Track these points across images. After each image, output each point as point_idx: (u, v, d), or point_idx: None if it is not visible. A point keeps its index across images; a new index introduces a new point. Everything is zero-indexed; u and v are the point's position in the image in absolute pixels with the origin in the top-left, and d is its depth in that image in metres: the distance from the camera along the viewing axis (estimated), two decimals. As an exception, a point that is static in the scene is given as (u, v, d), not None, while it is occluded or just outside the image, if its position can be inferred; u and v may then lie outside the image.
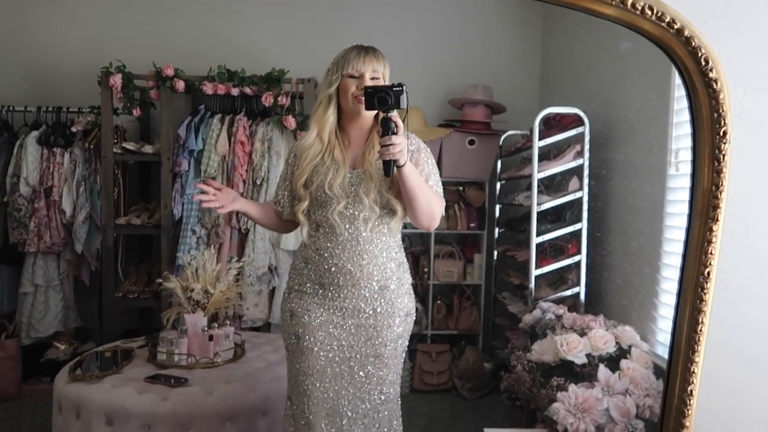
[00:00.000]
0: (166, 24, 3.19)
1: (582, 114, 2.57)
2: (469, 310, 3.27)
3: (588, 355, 1.99)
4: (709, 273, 1.12)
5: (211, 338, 2.20)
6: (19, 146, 2.99)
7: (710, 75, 1.04)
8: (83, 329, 3.15)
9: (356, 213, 1.52)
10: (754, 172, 1.31)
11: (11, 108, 3.06)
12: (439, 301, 3.29)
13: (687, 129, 1.81)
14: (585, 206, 2.56)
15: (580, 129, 2.58)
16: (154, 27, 3.18)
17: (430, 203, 1.51)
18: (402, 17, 3.23)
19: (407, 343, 1.64)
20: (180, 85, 2.93)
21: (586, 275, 2.55)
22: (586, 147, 2.56)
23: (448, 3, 3.31)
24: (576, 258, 2.58)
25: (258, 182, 2.94)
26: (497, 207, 3.27)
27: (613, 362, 1.95)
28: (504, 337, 2.91)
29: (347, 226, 1.52)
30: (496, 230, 3.26)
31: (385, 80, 1.53)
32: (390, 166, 1.41)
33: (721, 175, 1.08)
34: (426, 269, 3.25)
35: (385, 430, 1.59)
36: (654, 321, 2.04)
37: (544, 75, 3.30)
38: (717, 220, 1.10)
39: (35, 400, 2.81)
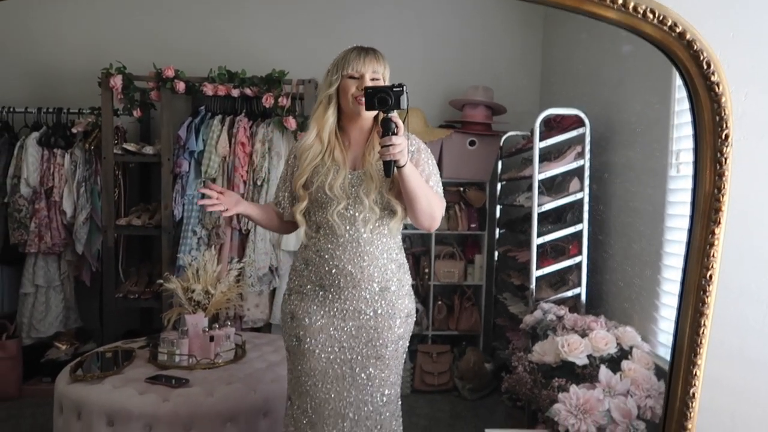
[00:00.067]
0: (166, 25, 3.19)
1: (583, 115, 2.57)
2: (469, 310, 3.27)
3: (589, 356, 1.99)
4: (711, 276, 1.12)
5: (211, 339, 2.20)
6: (20, 147, 3.00)
7: (712, 78, 1.04)
8: (84, 330, 3.15)
9: (356, 214, 1.52)
10: (755, 175, 1.31)
11: (12, 109, 3.06)
12: (439, 302, 3.29)
13: (688, 130, 1.82)
14: (586, 207, 2.56)
15: (580, 130, 2.58)
16: (155, 28, 3.18)
17: (431, 204, 1.51)
18: (402, 18, 3.23)
19: (408, 344, 1.64)
20: (180, 86, 2.93)
21: (587, 277, 2.55)
22: (587, 148, 2.56)
23: (448, 4, 3.31)
24: (577, 259, 2.58)
25: (258, 183, 2.94)
26: (498, 208, 3.27)
27: (614, 363, 1.95)
28: (505, 338, 2.91)
29: (347, 228, 1.52)
30: (497, 231, 3.27)
31: (385, 81, 1.53)
32: (390, 167, 1.41)
33: (723, 178, 1.08)
34: (427, 270, 3.25)
35: (387, 431, 1.59)
36: (655, 322, 2.04)
37: (544, 76, 3.30)
38: (719, 223, 1.10)
39: (36, 401, 2.81)
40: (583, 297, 2.55)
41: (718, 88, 1.05)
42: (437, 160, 2.33)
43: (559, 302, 2.47)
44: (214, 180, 2.96)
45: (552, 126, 2.72)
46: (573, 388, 1.85)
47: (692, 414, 1.17)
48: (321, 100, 1.57)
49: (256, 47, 3.14)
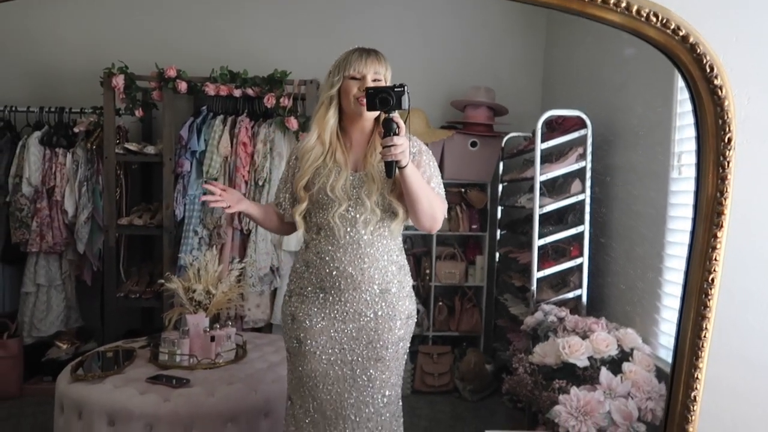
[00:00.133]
0: (168, 25, 3.20)
1: (584, 116, 2.57)
2: (470, 311, 3.27)
3: (590, 358, 1.99)
4: (713, 279, 1.12)
5: (212, 339, 2.20)
6: (22, 146, 3.00)
7: (715, 82, 1.04)
8: (85, 329, 3.15)
9: (357, 216, 1.52)
10: (758, 178, 1.30)
11: (14, 108, 3.07)
12: (440, 303, 3.29)
13: (690, 132, 1.81)
14: (587, 209, 2.56)
15: (582, 131, 2.58)
16: (157, 28, 3.18)
17: (432, 205, 1.51)
18: (404, 19, 3.23)
19: (408, 346, 1.64)
20: (182, 86, 2.93)
21: (589, 279, 2.55)
22: (588, 149, 2.56)
23: (450, 5, 3.31)
24: (578, 260, 2.58)
25: (260, 183, 2.94)
26: (499, 209, 3.27)
27: (615, 365, 1.95)
28: (505, 339, 2.91)
29: (348, 229, 1.52)
30: (498, 232, 3.26)
31: (386, 82, 1.53)
32: (392, 167, 1.41)
33: (726, 182, 1.08)
34: (428, 271, 3.25)
35: (387, 432, 1.60)
36: (656, 324, 2.04)
37: (546, 78, 3.30)
38: (721, 226, 1.10)
39: (37, 400, 2.81)
40: (584, 298, 2.55)
41: (721, 92, 1.05)
42: (439, 161, 2.34)
43: (560, 304, 2.47)
44: (215, 180, 2.96)
45: (553, 127, 2.72)
46: (574, 389, 1.85)
47: (694, 417, 1.17)
48: (322, 101, 1.57)
49: (258, 47, 3.14)
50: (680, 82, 1.15)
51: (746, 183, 1.18)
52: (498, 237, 3.27)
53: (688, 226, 1.21)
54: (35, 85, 3.19)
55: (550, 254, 2.66)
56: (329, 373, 1.56)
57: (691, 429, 1.18)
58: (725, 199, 1.10)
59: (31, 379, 2.96)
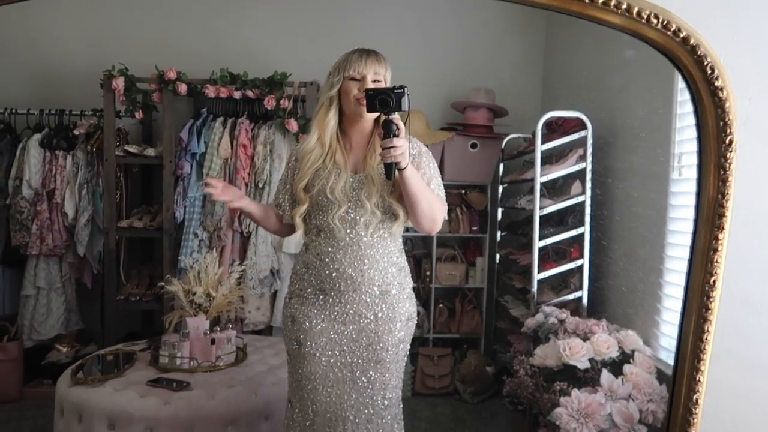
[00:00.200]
0: (168, 27, 3.20)
1: (584, 118, 2.57)
2: (471, 313, 3.26)
3: (591, 360, 1.99)
4: (714, 281, 1.12)
5: (213, 342, 2.20)
6: (22, 149, 3.00)
7: (716, 83, 1.04)
8: (85, 332, 3.14)
9: (357, 217, 1.52)
10: (760, 180, 1.30)
11: (14, 110, 3.07)
12: (441, 305, 3.28)
13: (690, 133, 1.81)
14: (587, 210, 2.56)
15: (582, 133, 2.58)
16: (157, 30, 3.18)
17: (432, 207, 1.51)
18: (404, 20, 3.23)
19: (409, 347, 1.64)
20: (182, 88, 2.93)
21: (590, 280, 2.54)
22: (589, 151, 2.56)
23: (450, 7, 3.31)
24: (579, 262, 2.57)
25: (260, 185, 2.94)
26: (499, 210, 3.27)
27: (616, 367, 1.95)
28: (506, 341, 2.90)
29: (348, 231, 1.52)
30: (498, 233, 3.26)
31: (386, 83, 1.53)
32: (391, 169, 1.41)
33: (727, 184, 1.08)
34: (428, 272, 3.24)
35: (388, 434, 1.59)
36: (657, 325, 2.04)
37: (546, 79, 3.30)
38: (723, 228, 1.10)
39: (37, 403, 2.80)
40: (585, 300, 2.54)
41: (722, 94, 1.05)
42: (439, 163, 2.33)
43: (561, 305, 2.47)
44: (215, 182, 2.95)
45: (554, 129, 2.72)
46: (575, 391, 1.85)
47: (695, 420, 1.16)
48: (322, 102, 1.57)
49: (258, 49, 3.14)
50: (680, 83, 1.15)
51: (747, 185, 1.18)
52: (498, 238, 3.26)
53: (688, 227, 1.21)
54: (35, 87, 3.19)
55: (551, 256, 2.66)
56: (329, 375, 1.56)
57: (693, 431, 1.18)
58: (726, 201, 1.09)
59: (31, 382, 2.96)
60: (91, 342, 3.11)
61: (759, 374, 1.38)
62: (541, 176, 2.61)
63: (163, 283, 2.37)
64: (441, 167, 2.97)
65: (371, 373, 1.56)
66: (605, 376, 1.89)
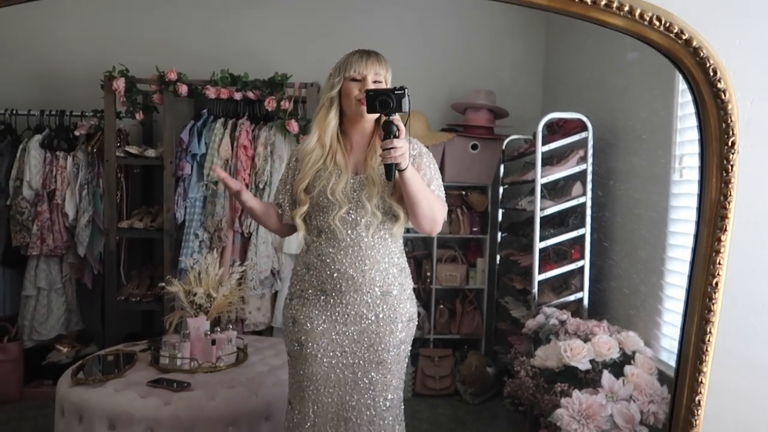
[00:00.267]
0: (169, 28, 3.20)
1: (585, 119, 2.57)
2: (471, 314, 3.26)
3: (592, 361, 1.99)
4: (717, 283, 1.12)
5: (213, 342, 2.20)
6: (23, 150, 3.00)
7: (718, 85, 1.04)
8: (85, 332, 3.14)
9: (358, 218, 1.52)
10: (762, 181, 1.30)
11: (14, 111, 3.07)
12: (441, 306, 3.28)
13: (691, 135, 1.82)
14: (588, 211, 2.56)
15: (583, 134, 2.58)
16: (158, 31, 3.18)
17: (432, 208, 1.51)
18: (405, 22, 3.23)
19: (410, 349, 1.64)
20: (183, 89, 2.93)
21: (591, 282, 2.54)
22: (590, 152, 2.56)
23: (450, 7, 3.31)
24: (579, 263, 2.57)
25: (261, 186, 2.94)
26: (500, 211, 3.27)
27: (617, 368, 1.95)
28: (507, 342, 2.90)
29: (349, 232, 1.52)
30: (499, 235, 3.26)
31: (387, 84, 1.53)
32: (392, 170, 1.41)
33: (730, 186, 1.08)
34: (428, 273, 3.24)
35: (389, 435, 1.59)
36: (658, 327, 2.04)
37: (547, 80, 3.30)
38: (725, 230, 1.10)
39: (37, 403, 2.80)
40: (586, 301, 2.54)
41: (725, 95, 1.05)
42: (439, 164, 2.33)
43: (562, 306, 2.47)
44: (216, 183, 2.96)
45: (554, 130, 2.72)
46: (576, 393, 1.85)
47: (698, 421, 1.16)
48: (323, 103, 1.57)
49: (259, 50, 3.14)
50: (681, 85, 1.16)
51: (750, 186, 1.18)
52: (499, 240, 3.26)
53: (689, 228, 1.21)
54: (36, 88, 3.19)
55: (552, 257, 2.66)
56: (330, 376, 1.56)
57: (695, 433, 1.18)
58: (729, 203, 1.09)
59: (32, 382, 2.95)
60: (91, 342, 3.11)
61: (761, 375, 1.38)
62: (541, 177, 2.61)
63: (163, 284, 2.37)
64: (441, 168, 2.96)
65: (373, 374, 1.56)
66: (606, 377, 1.89)
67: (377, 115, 1.48)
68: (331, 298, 1.54)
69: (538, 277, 2.60)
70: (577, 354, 1.99)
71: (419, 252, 3.35)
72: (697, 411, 1.16)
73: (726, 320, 1.18)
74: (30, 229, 2.96)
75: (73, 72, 3.16)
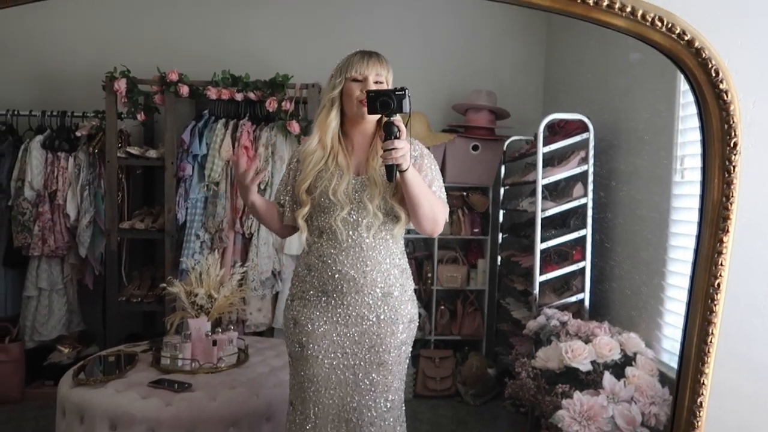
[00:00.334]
0: (170, 29, 3.20)
1: (586, 120, 2.57)
2: (472, 315, 3.26)
3: (593, 362, 1.99)
4: (719, 284, 1.12)
5: (214, 343, 2.20)
6: (24, 150, 3.00)
7: (721, 86, 1.04)
8: (87, 333, 3.14)
9: (359, 219, 1.52)
10: (764, 182, 1.29)
11: (16, 112, 3.07)
12: (442, 307, 3.28)
13: (692, 136, 1.82)
14: (589, 213, 2.56)
15: (584, 135, 2.58)
16: (159, 32, 3.19)
17: (434, 209, 1.51)
18: (406, 23, 3.24)
19: (411, 349, 1.64)
20: (184, 89, 2.93)
21: (593, 283, 2.54)
22: (591, 153, 2.56)
23: (451, 8, 3.31)
24: (580, 264, 2.57)
25: (262, 187, 2.94)
26: (501, 212, 3.27)
27: (618, 369, 1.95)
28: (508, 343, 2.90)
29: (350, 233, 1.52)
30: (500, 236, 3.26)
31: (388, 84, 1.53)
32: (393, 171, 1.41)
33: (732, 187, 1.08)
34: (429, 274, 3.24)
35: (390, 437, 1.59)
36: (659, 328, 2.04)
37: (548, 81, 3.30)
38: (727, 231, 1.10)
39: (38, 404, 2.80)
40: (587, 302, 2.54)
41: (727, 96, 1.05)
42: (440, 165, 2.33)
43: (563, 308, 2.46)
44: (217, 184, 2.96)
45: (556, 131, 2.72)
46: (577, 394, 1.85)
47: (700, 423, 1.16)
48: (324, 103, 1.57)
49: (260, 51, 3.15)
50: (683, 86, 1.16)
51: (752, 187, 1.18)
52: (500, 241, 3.26)
53: (690, 229, 1.21)
54: (37, 88, 3.19)
55: (553, 258, 2.66)
56: (331, 378, 1.56)
57: (697, 435, 1.17)
58: (731, 204, 1.09)
59: (33, 383, 2.95)
60: (92, 343, 3.11)
61: (763, 376, 1.38)
62: (543, 178, 2.61)
63: (164, 285, 2.37)
64: (442, 169, 2.97)
65: (374, 375, 1.56)
66: (607, 378, 1.89)
67: (378, 116, 1.48)
68: (333, 300, 1.54)
69: (539, 278, 2.59)
70: (578, 355, 1.98)
71: (420, 253, 3.35)
72: (699, 412, 1.16)
73: (728, 321, 1.18)
74: (31, 230, 2.97)
75: (75, 73, 3.16)
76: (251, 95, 2.97)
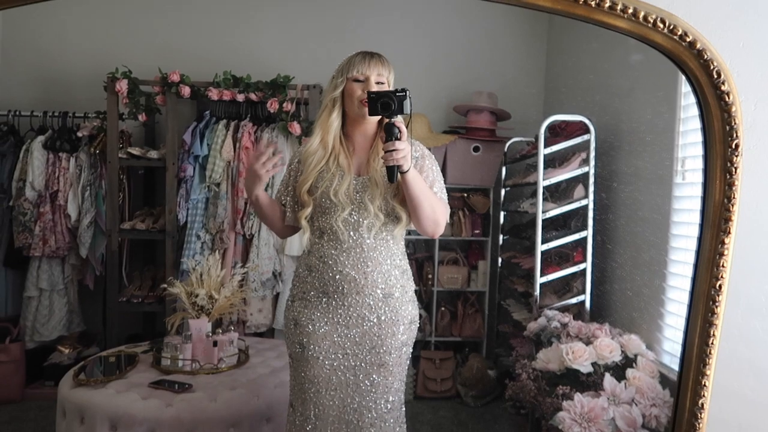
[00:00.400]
0: (172, 30, 3.20)
1: (587, 121, 2.57)
2: (473, 316, 3.26)
3: (594, 364, 1.98)
4: (720, 286, 1.12)
5: (215, 344, 2.20)
6: (25, 151, 3.00)
7: (722, 88, 1.04)
8: (87, 333, 3.14)
9: (360, 220, 1.52)
10: (766, 184, 1.30)
11: (17, 113, 3.07)
12: (443, 308, 3.28)
13: (693, 137, 1.82)
14: (590, 214, 2.56)
15: (585, 137, 2.58)
16: (160, 33, 3.19)
17: (435, 210, 1.51)
18: (407, 24, 3.24)
19: (411, 351, 1.64)
20: (185, 90, 2.94)
21: (594, 284, 2.54)
22: (592, 155, 2.56)
23: (453, 10, 3.31)
24: (581, 266, 2.57)
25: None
26: (502, 214, 3.26)
27: (618, 371, 1.95)
28: (508, 345, 2.90)
29: (351, 233, 1.52)
30: (501, 237, 3.26)
31: (389, 85, 1.53)
32: (394, 172, 1.42)
33: (733, 188, 1.08)
34: (430, 276, 3.24)
35: (391, 438, 1.59)
36: (660, 329, 2.04)
37: (549, 82, 3.30)
38: (729, 232, 1.10)
39: (39, 404, 2.80)
40: (588, 304, 2.54)
41: (729, 98, 1.05)
42: (441, 166, 2.32)
43: (564, 309, 2.46)
44: (218, 185, 2.96)
45: (557, 132, 2.72)
46: (577, 396, 1.84)
47: (701, 425, 1.16)
48: (326, 104, 1.57)
49: (261, 52, 3.15)
50: (684, 88, 1.16)
51: (753, 189, 1.18)
52: (500, 242, 3.26)
53: (691, 231, 1.21)
54: (39, 89, 3.20)
55: (553, 259, 2.66)
56: (332, 379, 1.56)
57: (698, 436, 1.17)
58: (733, 205, 1.09)
59: (33, 383, 2.95)
60: (93, 344, 3.10)
61: (765, 378, 1.38)
62: (544, 180, 2.61)
63: (165, 285, 2.37)
64: (443, 170, 2.97)
65: (374, 376, 1.56)
66: (608, 380, 1.89)
67: (380, 117, 1.48)
68: (333, 300, 1.54)
69: (539, 280, 2.59)
70: (579, 357, 1.98)
71: (421, 254, 3.35)
72: (701, 414, 1.16)
73: (729, 323, 1.18)
74: (32, 230, 2.97)
75: (76, 73, 3.17)
76: (252, 96, 2.97)
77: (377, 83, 1.50)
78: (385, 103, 1.40)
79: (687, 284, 1.23)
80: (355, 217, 1.52)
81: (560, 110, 2.75)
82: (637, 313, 2.25)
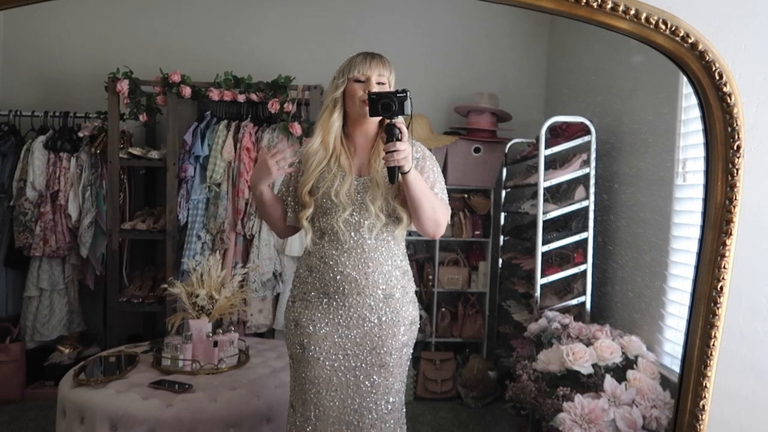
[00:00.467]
0: (173, 30, 3.20)
1: (588, 123, 2.57)
2: (473, 317, 3.26)
3: (594, 365, 1.98)
4: (722, 287, 1.11)
5: (215, 344, 2.20)
6: (26, 151, 3.01)
7: (724, 89, 1.04)
8: (87, 333, 3.14)
9: (361, 220, 1.52)
10: (767, 186, 1.30)
11: (18, 113, 3.07)
12: (443, 309, 3.28)
13: (694, 139, 1.82)
14: (591, 215, 2.56)
15: (586, 138, 2.58)
16: (161, 33, 3.19)
17: (435, 211, 1.51)
18: (408, 25, 3.24)
19: (412, 352, 1.64)
20: (186, 91, 2.94)
21: (595, 286, 2.54)
22: (593, 156, 2.56)
23: (454, 11, 3.31)
24: (582, 267, 2.57)
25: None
26: (502, 215, 3.26)
27: (619, 372, 1.95)
28: (509, 346, 2.90)
29: (352, 234, 1.52)
30: (501, 238, 3.26)
31: (390, 86, 1.53)
32: (394, 173, 1.42)
33: (735, 189, 1.08)
34: (430, 276, 3.24)
35: (391, 439, 1.59)
36: (660, 331, 2.04)
37: (550, 83, 3.30)
38: (730, 234, 1.10)
39: (39, 404, 2.80)
40: (588, 305, 2.54)
41: (730, 99, 1.05)
42: (442, 167, 2.32)
43: (564, 310, 2.46)
44: (218, 185, 2.96)
45: (558, 133, 2.72)
46: (578, 397, 1.84)
47: (702, 426, 1.16)
48: (327, 104, 1.57)
49: (262, 53, 3.15)
50: (685, 89, 1.16)
51: (755, 190, 1.18)
52: (501, 243, 3.26)
53: (692, 233, 1.21)
54: (40, 89, 3.20)
55: (554, 260, 2.66)
56: (333, 380, 1.55)
57: (699, 438, 1.17)
58: (734, 207, 1.09)
59: (33, 383, 2.95)
60: (93, 344, 3.11)
61: (766, 379, 1.37)
62: (544, 181, 2.61)
63: (165, 286, 2.37)
64: (444, 171, 2.96)
65: (375, 377, 1.56)
66: (608, 381, 1.89)
67: (381, 117, 1.48)
68: (334, 301, 1.54)
69: (540, 281, 2.59)
70: (580, 358, 1.98)
71: (421, 255, 3.35)
72: (702, 416, 1.16)
73: (730, 324, 1.18)
74: (33, 230, 2.97)
75: (77, 73, 3.17)
76: (253, 97, 2.97)
77: (378, 84, 1.50)
78: (386, 104, 1.40)
79: (688, 286, 1.23)
80: (356, 218, 1.52)
81: (561, 111, 2.75)
82: (637, 314, 2.24)
